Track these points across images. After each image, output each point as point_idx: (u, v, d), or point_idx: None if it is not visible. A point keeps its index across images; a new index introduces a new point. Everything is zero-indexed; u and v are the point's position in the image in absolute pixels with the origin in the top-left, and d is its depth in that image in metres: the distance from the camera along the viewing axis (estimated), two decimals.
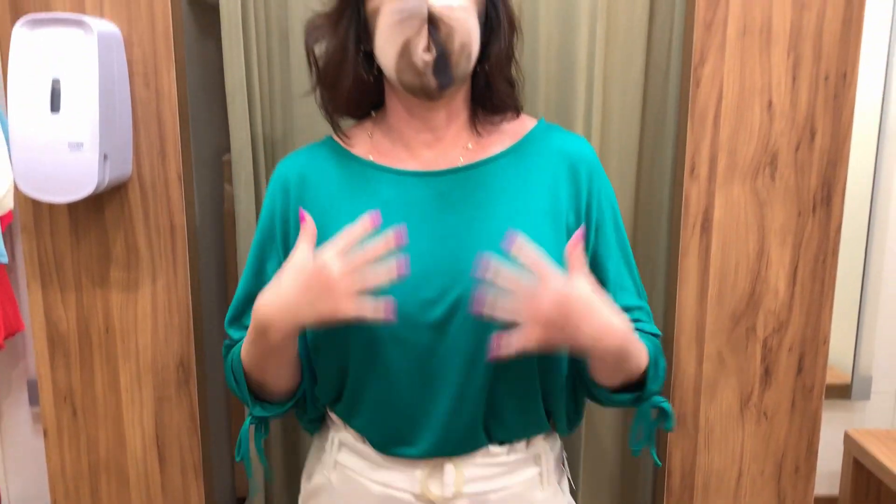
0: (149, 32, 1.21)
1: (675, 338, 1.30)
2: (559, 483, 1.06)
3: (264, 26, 1.32)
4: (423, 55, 0.89)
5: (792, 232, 1.27)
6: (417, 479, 0.98)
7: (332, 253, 0.86)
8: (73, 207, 1.25)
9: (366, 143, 1.03)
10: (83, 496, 1.34)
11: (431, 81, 0.91)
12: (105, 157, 1.14)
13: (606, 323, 0.87)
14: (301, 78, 1.32)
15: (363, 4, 0.95)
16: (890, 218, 2.43)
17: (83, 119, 1.12)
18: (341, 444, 1.03)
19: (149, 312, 1.29)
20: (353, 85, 0.99)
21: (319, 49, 1.01)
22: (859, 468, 2.32)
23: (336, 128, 1.05)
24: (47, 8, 1.19)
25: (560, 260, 0.93)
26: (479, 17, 0.94)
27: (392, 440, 0.98)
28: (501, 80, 1.00)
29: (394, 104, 1.01)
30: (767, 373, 1.32)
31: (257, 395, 1.01)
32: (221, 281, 1.47)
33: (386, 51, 0.91)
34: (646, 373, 0.96)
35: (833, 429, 2.49)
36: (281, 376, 0.99)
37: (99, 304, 1.28)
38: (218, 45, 1.29)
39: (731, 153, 1.25)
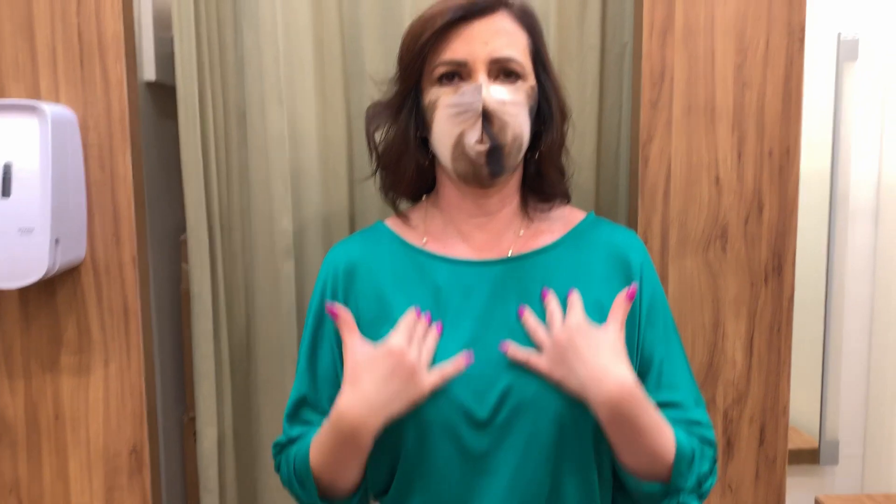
0: (105, 116, 1.21)
1: None
2: None
3: (222, 107, 1.34)
4: (476, 146, 0.93)
5: (746, 303, 1.29)
6: None
7: (400, 337, 0.91)
8: (23, 291, 1.23)
9: (419, 227, 1.06)
10: None
11: (484, 170, 0.95)
12: (56, 241, 1.13)
13: (604, 366, 0.89)
14: (258, 158, 1.33)
15: (421, 95, 0.99)
16: (846, 282, 2.48)
17: (34, 204, 1.11)
18: None
19: (101, 398, 1.25)
20: (414, 170, 1.03)
21: (378, 136, 1.07)
22: None
23: (396, 209, 1.09)
24: (2, 92, 1.20)
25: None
26: (532, 109, 0.99)
27: None
28: (553, 168, 1.04)
29: (447, 189, 1.04)
30: (730, 444, 1.31)
31: (323, 494, 0.99)
32: (178, 363, 1.44)
33: (442, 141, 0.96)
34: (674, 464, 0.92)
35: (803, 494, 2.48)
36: (355, 473, 0.97)
37: (49, 391, 1.25)
38: (176, 125, 1.30)
39: (682, 227, 1.27)
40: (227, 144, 1.35)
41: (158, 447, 1.28)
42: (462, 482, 0.94)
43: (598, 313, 0.97)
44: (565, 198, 1.08)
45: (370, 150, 1.08)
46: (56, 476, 1.26)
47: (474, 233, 1.03)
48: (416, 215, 1.08)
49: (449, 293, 0.99)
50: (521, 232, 1.03)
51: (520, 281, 0.99)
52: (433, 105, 0.97)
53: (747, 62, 1.25)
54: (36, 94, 1.20)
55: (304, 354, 1.05)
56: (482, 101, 0.92)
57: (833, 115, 2.26)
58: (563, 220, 1.06)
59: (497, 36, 0.95)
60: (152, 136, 1.33)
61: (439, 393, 0.92)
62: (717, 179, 1.27)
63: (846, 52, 2.07)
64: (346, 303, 1.02)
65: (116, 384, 1.25)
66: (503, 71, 0.96)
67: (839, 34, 2.06)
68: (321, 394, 1.04)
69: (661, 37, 1.24)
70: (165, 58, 1.37)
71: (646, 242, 1.27)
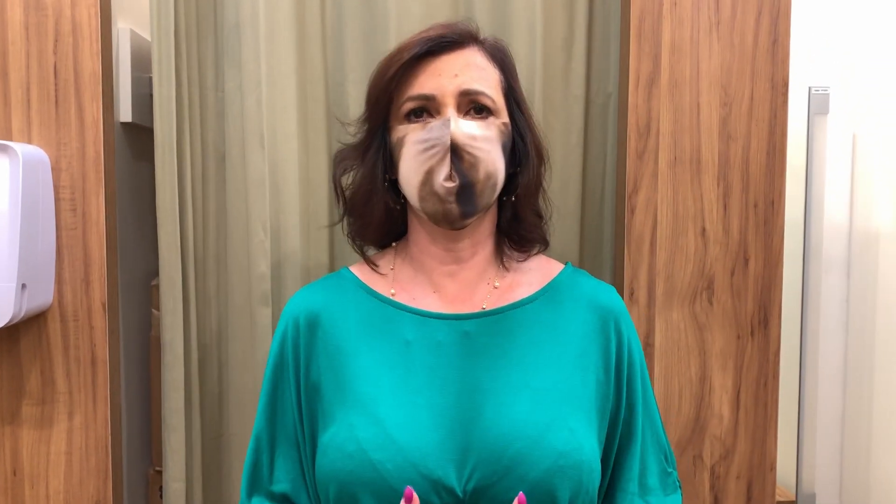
0: (78, 157, 1.17)
1: None
2: None
3: (200, 149, 1.31)
4: (445, 184, 0.88)
5: (732, 356, 1.28)
6: None
7: None
8: None
9: (388, 275, 1.00)
10: None
11: (454, 210, 0.90)
12: (23, 286, 1.08)
13: None
14: (237, 202, 1.30)
15: (388, 134, 0.95)
16: (820, 333, 2.49)
17: (1, 248, 1.06)
18: None
19: (63, 451, 1.19)
20: (383, 214, 0.98)
21: (346, 180, 1.02)
22: None
23: (363, 256, 1.03)
24: None
25: (588, 413, 0.91)
26: (505, 147, 0.94)
27: None
28: (529, 211, 0.99)
29: (417, 233, 0.98)
30: (717, 502, 1.28)
31: None
32: (145, 414, 1.38)
33: (410, 179, 0.91)
34: None
35: None
36: None
37: (7, 444, 1.18)
38: (152, 167, 1.26)
39: (668, 278, 1.26)
40: (204, 187, 1.31)
41: (122, 498, 1.22)
42: None
43: (580, 369, 0.93)
44: (544, 243, 1.03)
45: (337, 194, 1.02)
46: None
47: (446, 283, 0.97)
48: (385, 262, 1.02)
49: (418, 348, 0.93)
50: (497, 283, 0.98)
51: (494, 337, 0.94)
52: (401, 142, 0.92)
53: (732, 115, 1.26)
54: (7, 135, 1.16)
55: (265, 411, 0.99)
56: (451, 135, 0.87)
57: (805, 166, 2.30)
58: (540, 272, 1.01)
59: (467, 69, 0.92)
60: (125, 178, 1.29)
61: (408, 467, 0.86)
62: (704, 231, 1.26)
63: (817, 105, 2.11)
64: (306, 356, 0.96)
65: (80, 437, 1.19)
66: (474, 106, 0.91)
67: (810, 87, 2.10)
68: (279, 455, 0.98)
69: (647, 88, 1.24)
70: (142, 98, 1.34)
71: (632, 294, 1.25)
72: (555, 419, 0.88)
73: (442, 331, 0.94)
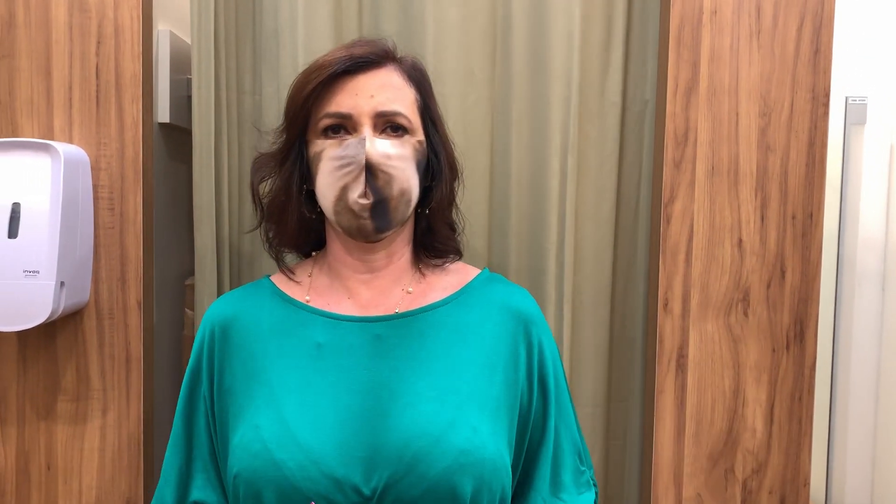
0: (118, 157, 1.19)
1: (652, 479, 1.25)
2: None
3: (237, 152, 1.31)
4: (359, 201, 0.92)
5: (767, 369, 1.26)
6: None
7: None
8: (22, 335, 1.19)
9: (304, 282, 1.03)
10: None
11: (368, 225, 0.93)
12: (62, 284, 1.09)
13: None
14: None
15: (306, 147, 0.98)
16: (852, 347, 2.45)
17: (41, 245, 1.07)
18: None
19: (96, 448, 1.20)
20: (297, 223, 1.01)
21: (264, 188, 1.04)
22: None
23: (281, 263, 1.06)
24: (16, 130, 1.17)
25: (494, 413, 0.92)
26: (420, 164, 0.97)
27: None
28: (442, 224, 1.03)
29: (333, 243, 1.02)
30: None
31: None
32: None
33: (325, 194, 0.95)
34: None
35: None
36: None
37: (42, 440, 1.20)
38: (187, 168, 1.27)
39: (703, 289, 1.25)
40: (240, 189, 1.32)
41: None
42: None
43: (488, 369, 0.95)
44: (457, 253, 1.06)
45: (254, 202, 1.05)
46: None
47: (360, 289, 1.00)
48: (303, 271, 1.05)
49: (329, 351, 0.95)
50: (411, 289, 1.00)
51: (404, 339, 0.96)
52: (318, 157, 0.95)
53: (771, 125, 1.24)
54: (49, 134, 1.17)
55: (179, 419, 1.01)
56: (366, 155, 0.91)
57: (841, 178, 2.27)
58: (456, 277, 1.04)
59: (383, 90, 0.95)
60: (162, 178, 1.30)
61: (310, 465, 0.87)
62: (740, 242, 1.24)
63: (854, 115, 2.08)
64: (220, 362, 0.98)
65: (114, 434, 1.20)
66: (390, 125, 0.95)
67: (847, 97, 2.07)
68: (195, 463, 1.00)
69: (685, 97, 1.23)
70: (179, 100, 1.35)
71: (666, 304, 1.24)
72: (457, 418, 0.90)
73: (353, 333, 0.96)
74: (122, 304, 1.20)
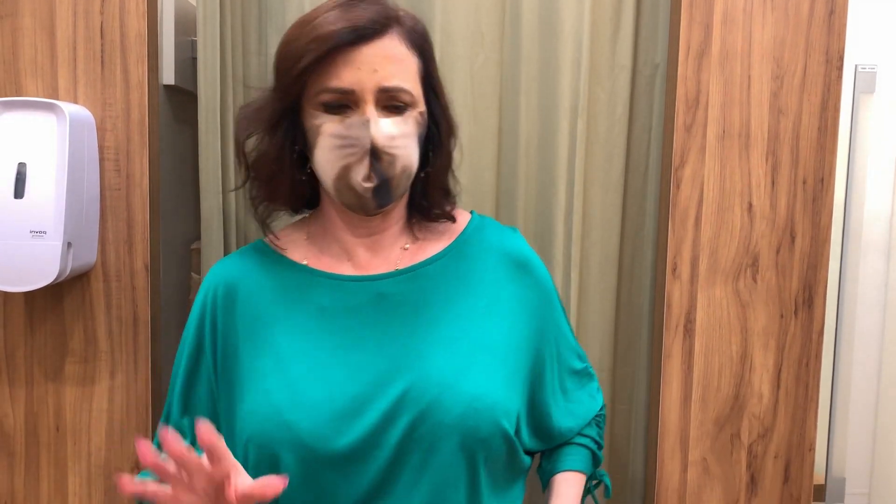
0: (123, 118, 1.17)
1: (658, 444, 1.26)
2: None
3: None
4: (363, 183, 0.89)
5: (775, 335, 1.26)
6: None
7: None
8: (29, 296, 1.19)
9: (301, 245, 1.00)
10: None
11: (371, 202, 0.91)
12: (69, 245, 1.09)
13: None
14: None
15: (301, 113, 0.93)
16: (856, 317, 2.45)
17: (48, 206, 1.07)
18: None
19: (104, 410, 1.20)
20: (290, 187, 0.97)
21: (250, 142, 0.98)
22: None
23: (266, 228, 1.00)
24: (20, 89, 1.16)
25: (503, 357, 0.93)
26: (421, 136, 0.94)
27: None
28: (437, 190, 1.00)
29: (329, 209, 0.99)
30: (753, 481, 1.27)
31: None
32: None
33: (325, 170, 0.91)
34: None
35: None
36: None
37: (50, 401, 1.20)
38: (192, 131, 1.26)
39: (712, 254, 1.24)
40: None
41: None
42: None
43: (493, 315, 0.95)
44: (450, 219, 1.02)
45: (239, 160, 0.99)
46: (54, 490, 1.21)
47: (358, 251, 0.98)
48: (298, 232, 1.02)
49: (334, 312, 0.94)
50: (408, 245, 0.99)
51: (407, 295, 0.95)
52: (316, 130, 0.90)
53: (783, 88, 1.22)
54: (54, 94, 1.16)
55: (180, 378, 0.98)
56: (370, 139, 0.87)
57: (849, 146, 2.25)
58: (449, 230, 1.02)
59: (387, 62, 0.88)
60: (167, 141, 1.29)
61: (323, 424, 0.86)
62: (750, 207, 1.24)
63: (863, 83, 2.05)
64: (224, 326, 0.96)
65: (121, 396, 1.20)
66: (392, 101, 0.90)
67: (856, 65, 2.05)
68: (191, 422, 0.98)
69: (696, 60, 1.21)
70: (184, 61, 1.33)
71: (675, 269, 1.24)
72: (469, 365, 0.90)
73: (356, 293, 0.95)
74: (129, 266, 1.19)
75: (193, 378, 0.99)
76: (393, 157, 0.89)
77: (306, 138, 0.93)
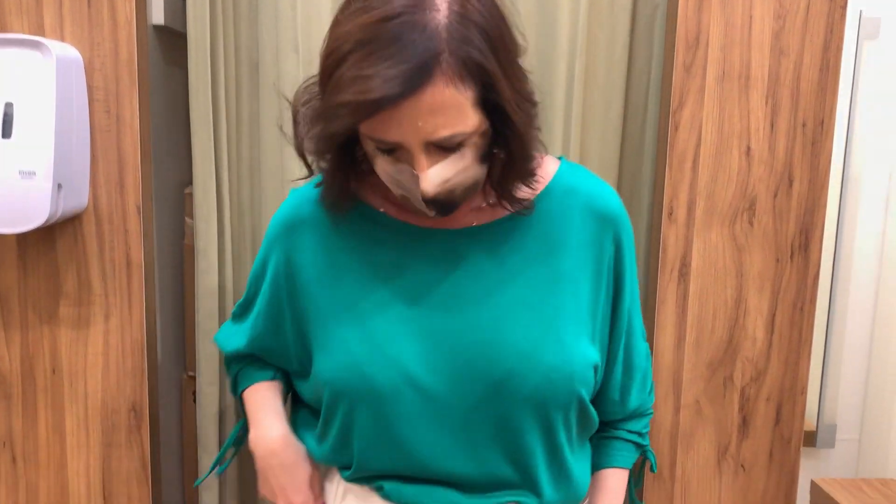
0: (112, 58, 1.15)
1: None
2: None
3: (233, 55, 1.28)
4: (423, 209, 0.83)
5: (770, 279, 1.25)
6: None
7: None
8: (21, 239, 1.18)
9: (378, 188, 0.93)
10: None
11: (434, 214, 0.85)
12: (59, 186, 1.08)
13: None
14: (270, 109, 1.28)
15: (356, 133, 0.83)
16: (853, 266, 2.45)
17: (37, 146, 1.05)
18: (346, 493, 0.95)
19: (100, 352, 1.21)
20: (351, 172, 0.90)
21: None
22: None
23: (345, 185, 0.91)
24: (4, 28, 1.13)
25: (581, 325, 0.89)
26: (483, 148, 0.83)
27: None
28: (516, 176, 0.88)
29: None
30: (745, 423, 1.29)
31: None
32: (179, 321, 1.39)
33: (384, 180, 0.85)
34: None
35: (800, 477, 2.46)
36: None
37: (46, 343, 1.20)
38: (183, 74, 1.24)
39: (709, 197, 1.23)
40: (237, 94, 1.29)
41: (158, 406, 1.24)
42: (425, 451, 0.88)
43: (573, 281, 0.90)
44: (530, 207, 0.91)
45: (301, 155, 0.90)
46: (52, 431, 1.22)
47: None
48: (374, 177, 0.91)
49: (410, 264, 0.90)
50: (491, 200, 0.91)
51: (485, 252, 0.90)
52: (370, 153, 0.84)
53: (785, 28, 1.20)
54: (39, 32, 1.13)
55: (263, 310, 0.98)
56: (421, 192, 0.80)
57: (850, 92, 2.22)
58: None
59: (431, 116, 0.77)
60: (157, 83, 1.27)
61: (400, 381, 0.86)
62: (749, 150, 1.22)
63: (867, 29, 2.02)
64: (294, 260, 0.93)
65: (117, 339, 1.21)
66: (443, 144, 0.79)
67: (861, 11, 2.01)
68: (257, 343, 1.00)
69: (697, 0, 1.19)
70: (174, 2, 1.30)
71: (671, 213, 1.23)
72: (546, 333, 0.88)
73: (434, 246, 0.91)
74: (122, 209, 1.18)
75: (280, 323, 0.97)
76: (451, 192, 0.83)
77: (362, 146, 0.86)
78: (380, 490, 0.91)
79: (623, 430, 1.00)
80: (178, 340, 1.42)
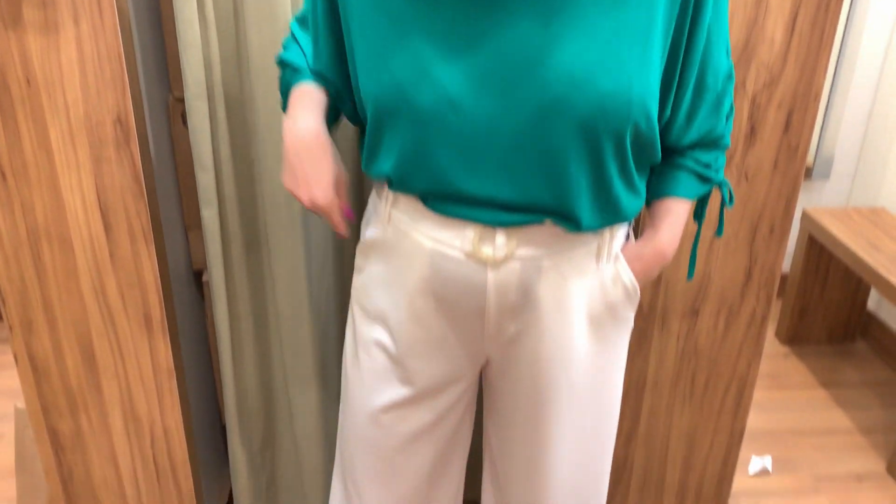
0: None
1: None
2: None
3: None
4: None
5: None
6: (469, 239, 0.91)
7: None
8: None
9: None
10: (24, 263, 1.25)
11: None
12: None
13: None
14: None
15: None
16: (869, 7, 2.31)
17: None
18: (396, 199, 0.97)
19: (74, 61, 1.13)
20: None
21: None
22: (812, 244, 2.37)
23: None
24: None
25: (647, 40, 0.81)
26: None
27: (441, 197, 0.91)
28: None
29: None
30: (753, 131, 1.25)
31: None
32: (156, 26, 1.30)
33: None
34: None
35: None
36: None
37: (14, 51, 1.12)
38: None
39: None
40: None
41: (145, 120, 1.19)
42: (462, 163, 0.87)
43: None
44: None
45: None
46: (38, 147, 1.18)
47: None
48: None
49: (469, 6, 0.83)
50: None
51: None
52: None
53: None
54: None
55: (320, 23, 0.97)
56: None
57: None
58: None
59: None
60: None
61: (444, 102, 0.83)
62: None
63: None
64: None
65: (91, 45, 1.12)
66: None
67: None
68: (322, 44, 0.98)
69: None
70: None
71: None
72: (605, 55, 0.80)
73: None
74: None
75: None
76: None
77: None
78: (425, 201, 0.92)
79: (690, 158, 0.95)
80: (160, 61, 1.34)
